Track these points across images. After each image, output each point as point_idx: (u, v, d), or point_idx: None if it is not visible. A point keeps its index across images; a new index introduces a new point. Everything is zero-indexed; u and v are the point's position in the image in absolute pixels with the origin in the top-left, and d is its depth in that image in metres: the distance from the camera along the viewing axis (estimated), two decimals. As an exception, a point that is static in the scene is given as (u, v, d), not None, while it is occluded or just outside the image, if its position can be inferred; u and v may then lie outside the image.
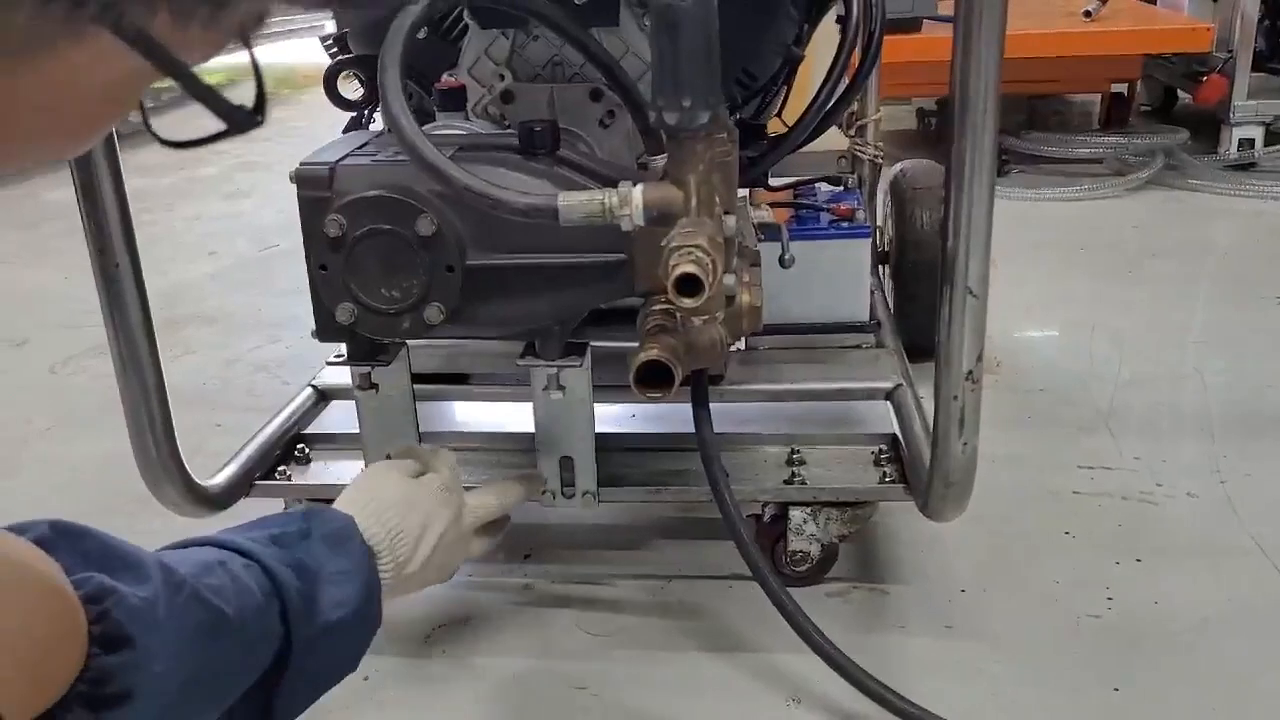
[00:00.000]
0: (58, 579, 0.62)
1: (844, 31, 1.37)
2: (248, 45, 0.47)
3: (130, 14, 0.38)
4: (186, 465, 1.15)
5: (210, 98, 0.43)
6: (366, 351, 1.07)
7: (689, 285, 0.81)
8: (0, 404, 1.89)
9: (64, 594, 0.62)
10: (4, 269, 2.59)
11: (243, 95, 0.46)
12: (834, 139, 1.77)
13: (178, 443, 1.15)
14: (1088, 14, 3.01)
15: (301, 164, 1.01)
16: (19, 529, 0.64)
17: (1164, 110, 3.66)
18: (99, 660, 0.62)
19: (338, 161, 1.01)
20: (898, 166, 1.89)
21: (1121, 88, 3.42)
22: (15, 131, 0.42)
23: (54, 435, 1.75)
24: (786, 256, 1.30)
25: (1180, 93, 3.55)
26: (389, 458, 1.05)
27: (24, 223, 2.99)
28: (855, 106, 1.86)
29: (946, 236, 0.96)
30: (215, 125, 0.45)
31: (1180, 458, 1.54)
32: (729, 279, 0.98)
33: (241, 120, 0.45)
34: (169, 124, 0.51)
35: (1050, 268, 2.38)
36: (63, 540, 0.65)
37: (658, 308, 1.00)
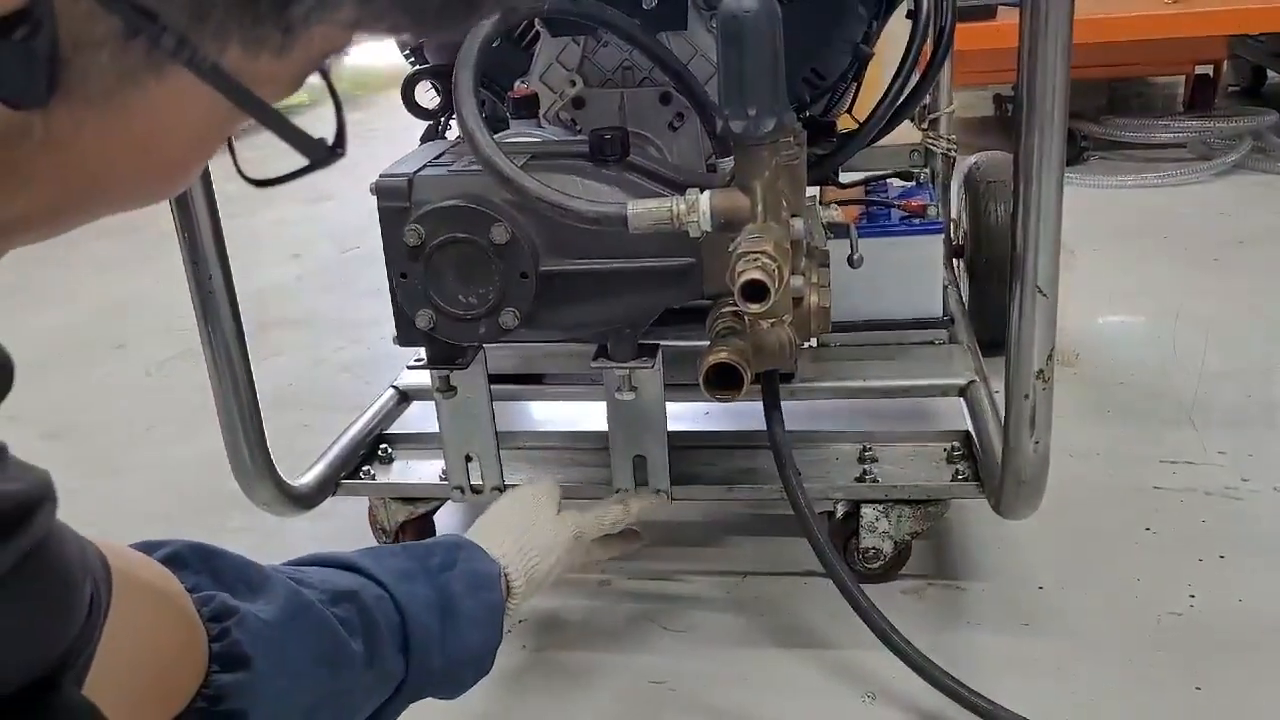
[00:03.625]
0: (181, 597, 0.64)
1: (915, 26, 1.37)
2: (325, 77, 0.48)
3: (203, 49, 0.40)
4: (276, 466, 1.19)
5: (289, 133, 0.44)
6: (445, 355, 1.10)
7: (755, 291, 0.82)
8: (101, 406, 1.98)
9: (187, 612, 0.64)
10: (104, 275, 2.70)
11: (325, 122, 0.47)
12: (906, 132, 1.76)
13: (268, 444, 1.20)
14: (1170, -6, 2.94)
15: (381, 176, 1.04)
16: (152, 546, 0.67)
17: (1252, 91, 3.55)
18: (217, 678, 0.64)
19: (415, 173, 1.04)
20: (972, 159, 1.87)
21: (1207, 69, 3.32)
22: (113, 175, 0.44)
23: (151, 437, 1.83)
24: (855, 256, 1.30)
25: (1270, 72, 3.44)
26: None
27: (121, 230, 3.10)
28: (928, 99, 1.85)
29: (1015, 234, 0.96)
30: (299, 159, 0.47)
31: (1268, 452, 1.50)
32: (797, 281, 0.99)
33: (321, 154, 0.46)
34: (254, 155, 0.52)
35: (1131, 256, 2.33)
36: (194, 559, 0.68)
37: (726, 310, 1.01)
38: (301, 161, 0.47)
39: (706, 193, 0.88)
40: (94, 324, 2.42)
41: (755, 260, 0.82)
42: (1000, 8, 2.89)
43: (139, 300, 2.48)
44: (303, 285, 2.57)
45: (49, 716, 0.48)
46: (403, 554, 0.86)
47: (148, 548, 0.67)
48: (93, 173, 0.43)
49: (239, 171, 0.51)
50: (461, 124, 0.89)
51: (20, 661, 0.48)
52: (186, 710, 0.63)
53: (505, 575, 0.93)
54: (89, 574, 0.52)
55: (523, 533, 0.99)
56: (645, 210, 0.88)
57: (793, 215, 0.96)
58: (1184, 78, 3.42)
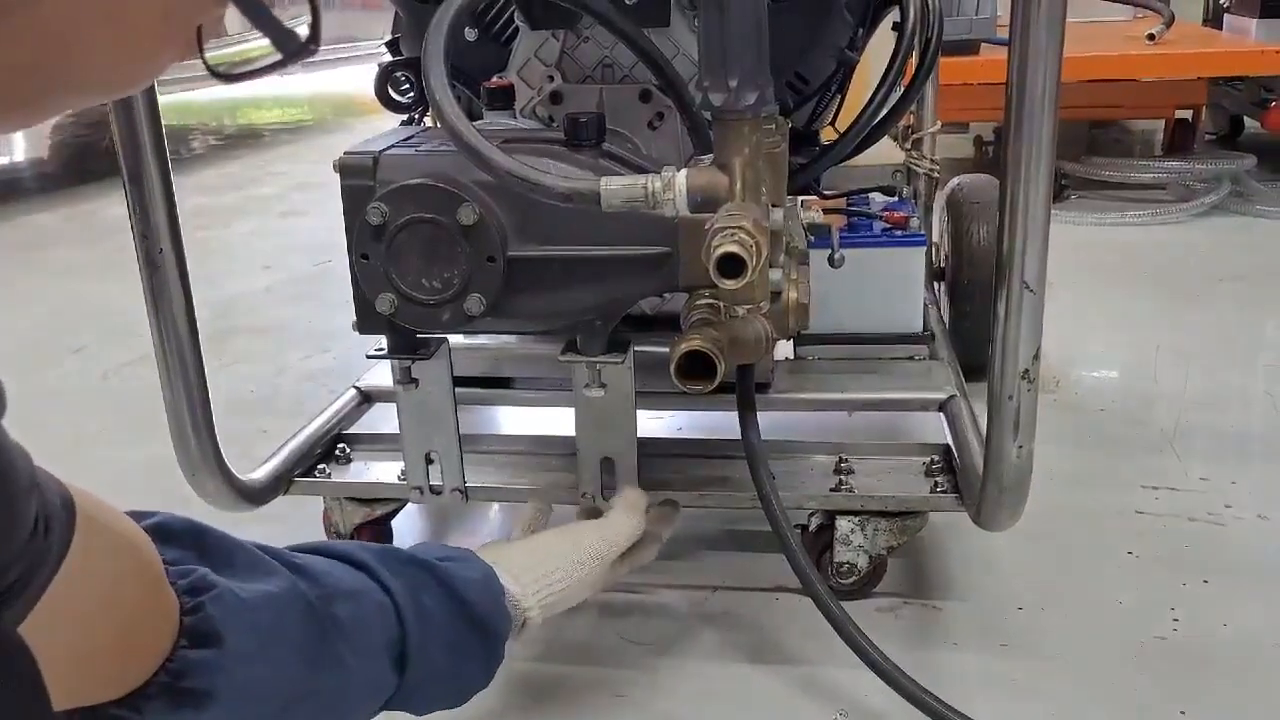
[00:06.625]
0: (151, 556, 0.60)
1: (900, 37, 1.35)
2: None
3: None
4: (226, 459, 1.14)
5: (263, 20, 0.43)
6: (407, 344, 1.06)
7: (731, 266, 0.78)
8: (53, 408, 1.90)
9: (154, 572, 0.60)
10: (70, 281, 2.65)
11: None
12: (889, 152, 1.74)
13: (219, 443, 1.15)
14: (1151, 37, 2.96)
15: (346, 153, 1.00)
16: (140, 516, 0.63)
17: (1230, 138, 3.58)
18: (183, 653, 0.60)
19: (382, 151, 1.00)
20: (954, 181, 1.85)
21: (1186, 114, 3.35)
22: (81, 46, 0.43)
23: (102, 439, 1.76)
24: (836, 256, 1.27)
25: (1247, 120, 3.47)
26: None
27: (89, 238, 3.06)
28: (911, 119, 1.83)
29: (1003, 230, 0.93)
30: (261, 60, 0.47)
31: (1250, 480, 1.47)
32: (775, 274, 0.95)
33: (294, 47, 0.45)
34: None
35: (1111, 291, 2.31)
36: (182, 532, 0.64)
37: (702, 302, 0.97)
38: (275, 56, 0.46)
39: (683, 170, 0.84)
40: (52, 327, 2.35)
41: (732, 235, 0.78)
42: (983, 44, 2.91)
43: (101, 306, 2.41)
44: (271, 295, 2.51)
45: None
46: (414, 564, 0.81)
47: (136, 516, 0.63)
48: (60, 42, 0.42)
49: (205, 65, 0.50)
50: (428, 88, 0.85)
51: None
52: (147, 683, 0.58)
53: (517, 603, 0.89)
54: (34, 499, 0.49)
55: (541, 559, 0.95)
56: (619, 186, 0.84)
57: (772, 205, 0.93)
58: (1164, 122, 3.44)
